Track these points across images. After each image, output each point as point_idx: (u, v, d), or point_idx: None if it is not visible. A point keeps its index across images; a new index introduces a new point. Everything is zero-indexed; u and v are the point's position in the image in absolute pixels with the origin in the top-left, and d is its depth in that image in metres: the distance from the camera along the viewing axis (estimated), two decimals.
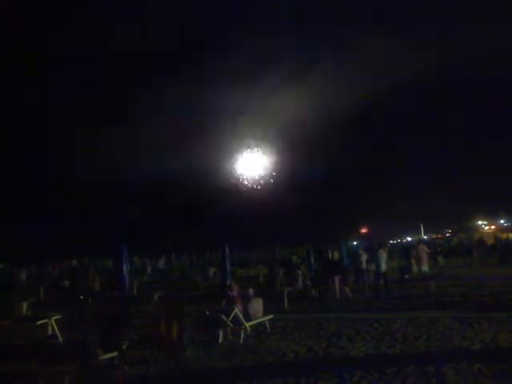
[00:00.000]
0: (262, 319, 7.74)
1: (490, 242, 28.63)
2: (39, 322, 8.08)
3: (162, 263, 27.75)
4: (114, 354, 5.64)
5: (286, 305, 10.87)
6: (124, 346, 5.74)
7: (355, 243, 33.32)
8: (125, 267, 13.96)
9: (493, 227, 48.63)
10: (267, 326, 7.78)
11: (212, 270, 19.16)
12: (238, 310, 7.24)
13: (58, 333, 7.85)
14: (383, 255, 12.53)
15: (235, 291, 8.30)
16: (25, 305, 10.13)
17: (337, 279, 12.11)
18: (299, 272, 13.86)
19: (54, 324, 8.03)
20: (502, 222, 51.17)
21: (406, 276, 14.58)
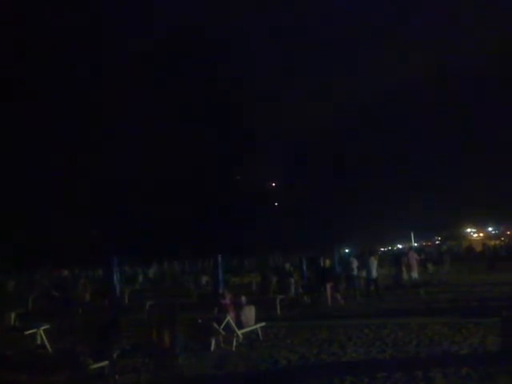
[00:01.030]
0: (254, 327, 7.74)
1: (478, 249, 29.14)
2: (27, 332, 7.96)
3: (152, 272, 27.42)
4: (105, 363, 5.59)
5: (278, 312, 10.88)
6: (115, 355, 5.70)
7: (347, 250, 33.47)
8: (115, 276, 13.87)
9: (481, 235, 49.47)
10: (259, 333, 7.79)
11: (205, 279, 19.05)
12: (230, 318, 7.24)
13: (46, 342, 7.73)
14: (374, 262, 12.71)
15: (227, 299, 8.30)
16: (13, 315, 9.98)
17: (329, 286, 12.18)
18: (292, 280, 13.88)
19: (42, 334, 7.91)
20: (490, 229, 52.02)
21: (398, 282, 14.71)
